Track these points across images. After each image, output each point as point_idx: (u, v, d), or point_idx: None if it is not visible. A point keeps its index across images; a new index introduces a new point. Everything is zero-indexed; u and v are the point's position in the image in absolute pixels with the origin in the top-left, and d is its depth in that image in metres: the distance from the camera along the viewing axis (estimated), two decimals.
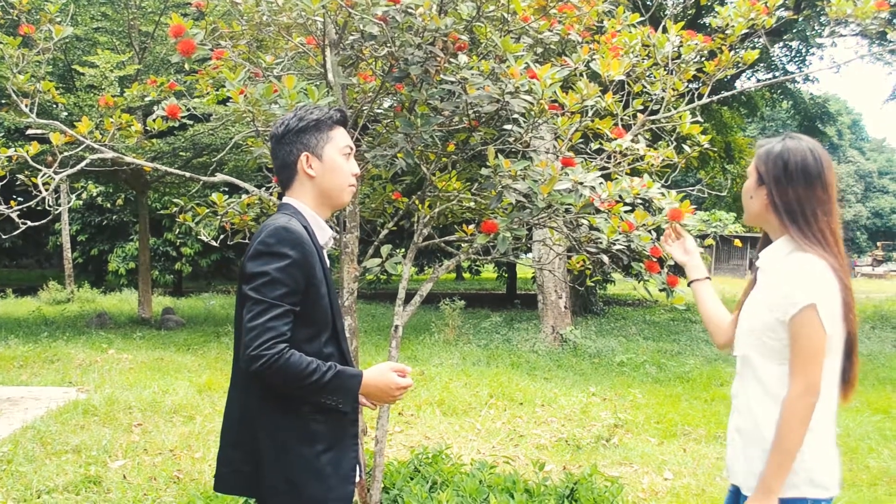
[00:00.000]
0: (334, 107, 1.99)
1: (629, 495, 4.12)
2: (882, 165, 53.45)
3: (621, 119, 3.32)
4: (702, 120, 3.34)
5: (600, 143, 3.18)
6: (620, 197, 2.80)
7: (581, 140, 3.24)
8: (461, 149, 3.25)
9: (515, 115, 2.86)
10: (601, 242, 2.85)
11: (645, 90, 3.33)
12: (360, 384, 1.82)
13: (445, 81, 2.72)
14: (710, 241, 4.58)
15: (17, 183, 2.96)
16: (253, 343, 1.67)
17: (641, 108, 3.37)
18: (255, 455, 1.82)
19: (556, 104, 2.85)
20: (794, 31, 13.05)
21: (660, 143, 3.47)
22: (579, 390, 7.03)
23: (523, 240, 3.07)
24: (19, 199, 3.00)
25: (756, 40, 3.64)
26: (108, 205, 18.01)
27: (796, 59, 15.38)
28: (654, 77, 3.35)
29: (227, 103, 2.76)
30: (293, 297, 1.74)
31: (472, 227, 3.26)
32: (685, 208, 2.58)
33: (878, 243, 44.63)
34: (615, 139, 3.06)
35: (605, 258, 2.93)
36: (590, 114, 3.16)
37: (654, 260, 2.78)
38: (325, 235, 1.93)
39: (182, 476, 4.34)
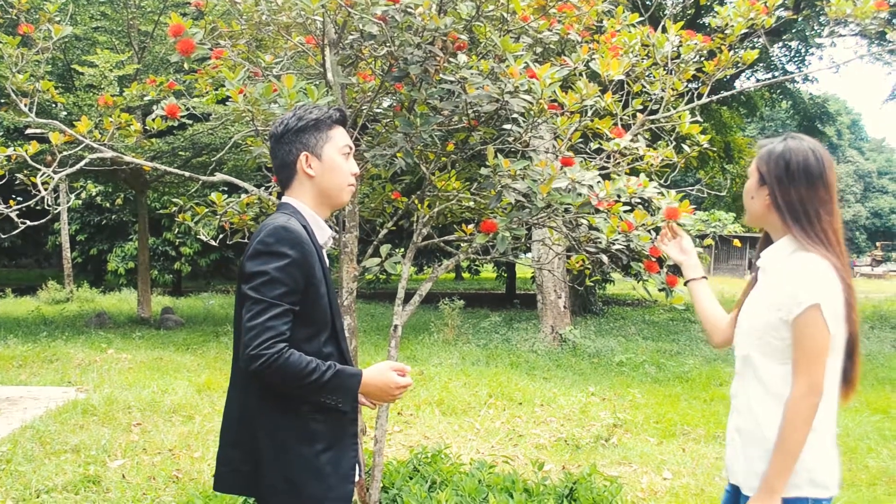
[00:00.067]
0: (333, 106, 1.98)
1: (628, 495, 4.12)
2: (881, 165, 53.52)
3: (621, 119, 3.32)
4: (701, 120, 3.34)
5: (600, 143, 3.17)
6: (619, 196, 2.79)
7: (580, 140, 3.24)
8: (460, 148, 3.25)
9: (515, 115, 2.86)
10: (600, 242, 2.85)
11: (644, 90, 3.33)
12: (360, 383, 1.82)
13: (445, 81, 2.71)
14: (709, 241, 4.57)
15: (17, 182, 2.95)
16: (252, 342, 1.67)
17: (641, 107, 3.37)
18: (255, 454, 1.82)
19: (556, 104, 2.85)
20: (794, 30, 13.05)
21: (659, 142, 3.47)
22: (578, 390, 7.03)
23: (522, 239, 3.07)
24: (18, 198, 2.99)
25: (755, 40, 3.65)
26: (108, 204, 18.01)
27: (796, 59, 15.40)
28: (654, 77, 3.35)
29: (227, 103, 2.76)
30: (292, 296, 1.74)
31: (471, 226, 3.26)
32: (684, 208, 2.57)
33: (878, 243, 44.67)
34: (614, 139, 3.05)
35: (605, 258, 2.93)
36: (589, 113, 3.16)
37: (654, 260, 2.78)
38: (324, 235, 1.93)
39: (181, 475, 4.34)
